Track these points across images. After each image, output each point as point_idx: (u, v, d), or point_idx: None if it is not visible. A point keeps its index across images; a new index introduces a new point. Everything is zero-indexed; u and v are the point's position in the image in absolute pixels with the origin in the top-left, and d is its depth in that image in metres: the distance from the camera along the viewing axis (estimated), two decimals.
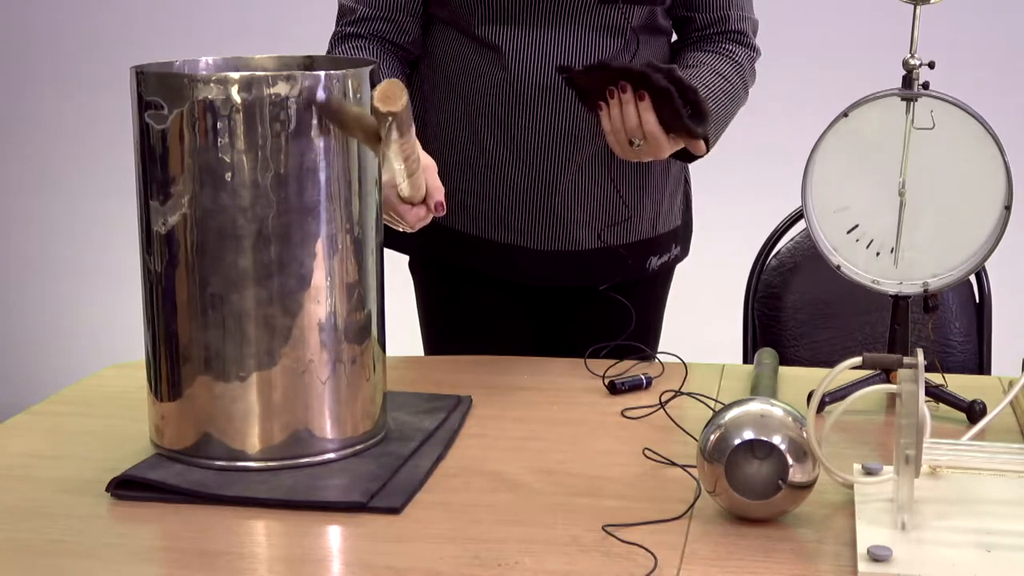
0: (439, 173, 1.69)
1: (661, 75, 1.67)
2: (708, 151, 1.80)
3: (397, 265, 1.93)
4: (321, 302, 1.40)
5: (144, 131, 1.38)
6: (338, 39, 1.92)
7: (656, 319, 2.10)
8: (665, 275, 2.09)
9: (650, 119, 1.70)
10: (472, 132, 1.91)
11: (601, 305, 1.96)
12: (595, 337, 1.85)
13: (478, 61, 1.88)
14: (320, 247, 1.39)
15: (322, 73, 1.37)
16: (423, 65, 1.97)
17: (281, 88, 1.35)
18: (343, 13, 1.93)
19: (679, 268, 2.12)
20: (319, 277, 1.40)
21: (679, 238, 2.07)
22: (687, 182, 2.09)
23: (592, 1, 1.83)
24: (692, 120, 1.70)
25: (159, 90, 1.36)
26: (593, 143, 1.86)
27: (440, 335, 2.09)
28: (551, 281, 1.99)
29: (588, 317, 2.02)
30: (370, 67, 1.44)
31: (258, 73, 1.36)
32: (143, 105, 1.38)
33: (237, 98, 1.34)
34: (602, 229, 1.94)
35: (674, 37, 1.99)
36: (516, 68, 1.85)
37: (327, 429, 1.43)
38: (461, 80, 1.90)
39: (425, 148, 1.88)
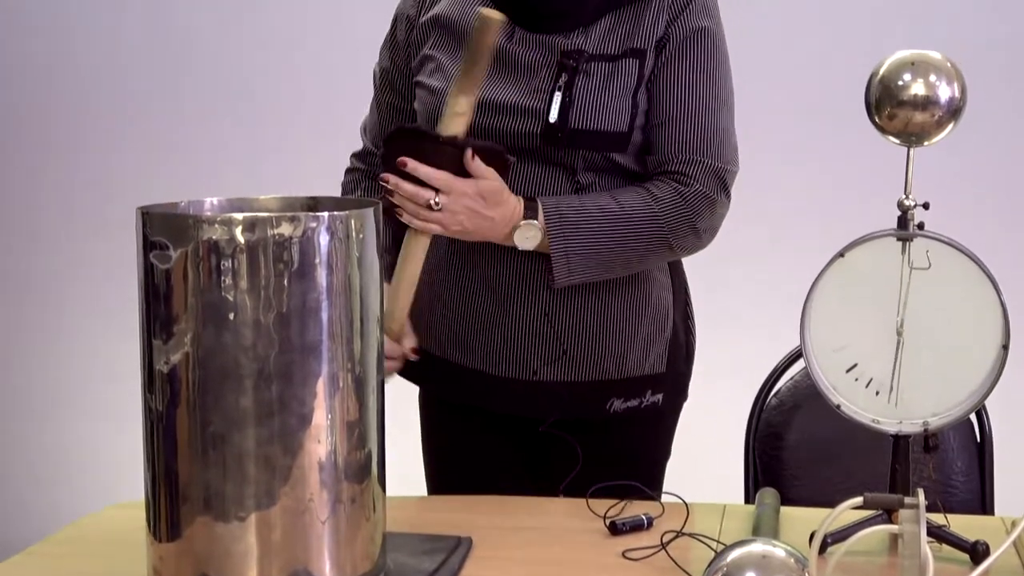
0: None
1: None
2: (569, 268, 1.86)
3: (394, 401, 1.93)
4: (322, 441, 1.40)
5: (149, 271, 1.39)
6: (346, 170, 2.15)
7: (650, 461, 2.08)
8: (648, 419, 2.04)
9: (429, 171, 1.79)
10: (445, 259, 1.99)
11: (547, 440, 2.00)
12: (574, 470, 1.87)
13: None
14: (321, 386, 1.39)
15: (325, 214, 1.39)
16: None
17: (285, 229, 1.36)
18: (361, 143, 2.14)
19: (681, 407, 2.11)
20: (320, 416, 1.40)
21: (661, 385, 2.03)
22: (689, 332, 2.09)
23: (536, 142, 1.89)
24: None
25: (164, 230, 1.38)
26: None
27: (434, 464, 2.15)
28: (517, 410, 2.01)
29: (564, 450, 2.02)
30: (373, 208, 1.46)
31: (262, 214, 1.37)
32: (148, 245, 1.39)
33: (241, 239, 1.36)
34: (539, 366, 1.97)
35: None
36: None
37: (326, 570, 1.42)
38: None
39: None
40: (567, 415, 1.98)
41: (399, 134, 1.83)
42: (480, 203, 1.81)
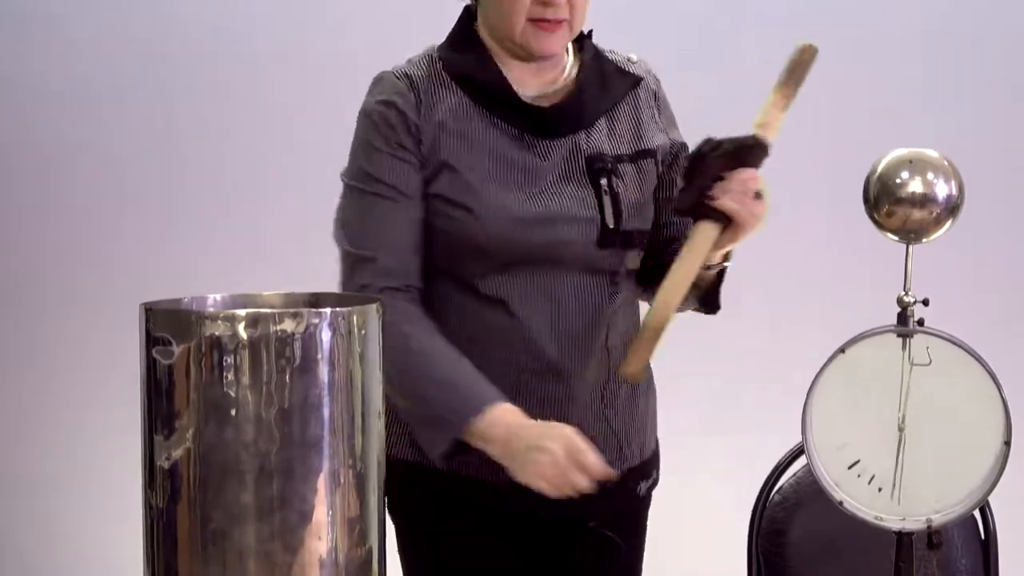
0: None
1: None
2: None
3: None
4: (322, 538, 1.39)
5: (151, 366, 1.40)
6: (381, 290, 1.84)
7: (642, 545, 2.09)
8: (647, 501, 2.07)
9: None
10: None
11: (588, 539, 1.95)
12: (583, 572, 1.84)
13: (482, 310, 1.89)
14: (322, 482, 1.39)
15: (328, 310, 1.39)
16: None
17: (287, 325, 1.37)
18: (360, 263, 1.89)
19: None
20: (321, 513, 1.39)
21: (657, 461, 2.06)
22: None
23: (591, 245, 1.88)
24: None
25: (167, 326, 1.38)
26: (595, 380, 1.89)
27: (420, 564, 2.02)
28: (543, 514, 1.93)
29: (575, 550, 1.98)
30: (375, 304, 1.46)
31: (264, 310, 1.38)
32: (151, 341, 1.39)
33: (244, 335, 1.36)
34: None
35: None
36: (522, 314, 1.88)
37: None
38: (462, 326, 1.90)
39: None
40: (608, 510, 1.93)
41: (735, 151, 1.83)
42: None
